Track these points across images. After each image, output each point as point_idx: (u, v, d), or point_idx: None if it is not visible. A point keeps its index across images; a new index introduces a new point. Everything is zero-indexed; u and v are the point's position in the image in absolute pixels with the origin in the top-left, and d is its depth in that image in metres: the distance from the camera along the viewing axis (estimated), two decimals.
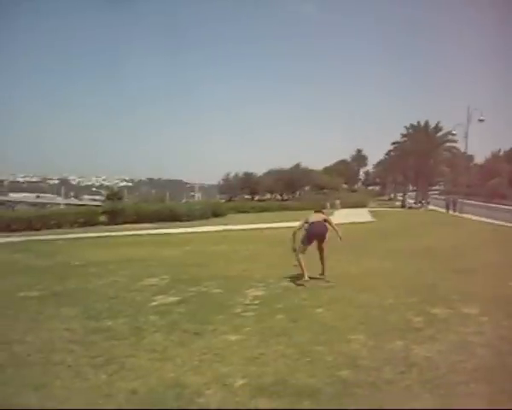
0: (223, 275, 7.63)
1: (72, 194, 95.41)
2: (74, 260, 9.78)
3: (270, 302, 5.71)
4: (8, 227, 19.08)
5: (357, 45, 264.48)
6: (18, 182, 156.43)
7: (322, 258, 7.23)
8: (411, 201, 48.98)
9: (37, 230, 19.24)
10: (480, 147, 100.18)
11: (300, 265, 6.95)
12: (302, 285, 6.66)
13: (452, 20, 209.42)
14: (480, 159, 72.76)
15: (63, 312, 5.38)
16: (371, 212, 32.50)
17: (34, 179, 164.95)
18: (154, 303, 5.80)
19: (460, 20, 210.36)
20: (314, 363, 3.67)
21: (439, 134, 51.75)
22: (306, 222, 7.20)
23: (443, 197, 49.06)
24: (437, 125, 52.18)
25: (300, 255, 7.02)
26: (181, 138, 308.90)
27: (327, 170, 68.71)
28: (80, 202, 62.59)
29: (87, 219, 22.29)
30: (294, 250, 7.16)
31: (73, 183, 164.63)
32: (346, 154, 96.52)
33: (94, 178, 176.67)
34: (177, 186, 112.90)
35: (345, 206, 38.68)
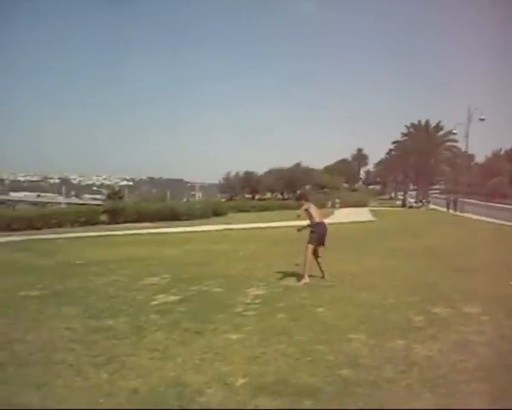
0: (223, 274, 7.63)
1: (72, 193, 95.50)
2: (75, 259, 9.78)
3: (271, 301, 5.71)
4: (8, 226, 19.09)
5: (357, 45, 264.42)
6: (19, 181, 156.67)
7: (319, 262, 7.09)
8: (412, 200, 48.97)
9: (38, 229, 19.24)
10: (480, 146, 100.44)
11: (307, 264, 6.86)
12: (303, 285, 6.66)
13: (452, 20, 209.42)
14: (480, 158, 72.85)
15: (64, 311, 5.38)
16: (372, 211, 32.51)
17: (35, 178, 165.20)
18: (155, 302, 5.80)
19: (460, 20, 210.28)
20: (315, 362, 3.68)
21: (440, 133, 51.75)
22: (310, 214, 7.07)
23: (443, 196, 49.07)
24: (438, 124, 52.18)
25: (310, 255, 6.89)
26: (181, 137, 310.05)
27: (327, 169, 68.67)
28: (81, 201, 62.73)
29: (88, 218, 22.30)
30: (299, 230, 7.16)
31: (74, 182, 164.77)
32: (347, 153, 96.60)
33: (94, 178, 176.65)
34: (178, 185, 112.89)
35: (345, 205, 38.67)
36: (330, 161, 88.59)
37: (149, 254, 10.58)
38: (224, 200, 48.28)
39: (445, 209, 35.81)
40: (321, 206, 11.45)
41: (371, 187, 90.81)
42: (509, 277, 7.33)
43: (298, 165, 56.71)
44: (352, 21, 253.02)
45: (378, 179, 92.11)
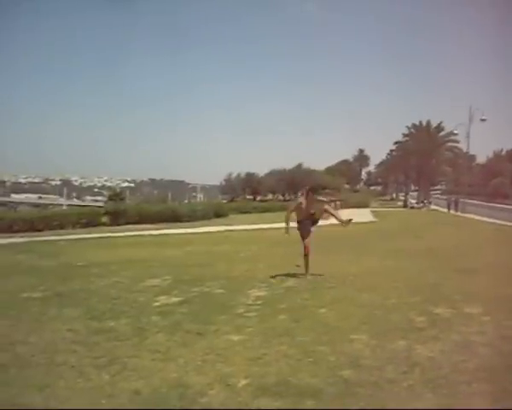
0: (225, 275, 7.64)
1: (74, 195, 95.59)
2: (77, 260, 9.81)
3: (273, 303, 5.71)
4: (10, 228, 19.18)
5: (358, 45, 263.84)
6: (20, 183, 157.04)
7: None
8: (413, 201, 48.91)
9: (40, 230, 19.30)
10: (481, 147, 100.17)
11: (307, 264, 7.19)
12: (304, 284, 6.68)
13: (452, 20, 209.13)
14: (481, 159, 72.80)
15: (66, 312, 5.39)
16: (373, 212, 32.51)
17: (36, 180, 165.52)
18: (157, 304, 5.80)
19: (460, 20, 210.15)
20: (317, 363, 3.67)
21: (441, 134, 51.78)
22: (299, 211, 7.33)
23: (445, 197, 49.08)
24: (439, 124, 52.21)
25: (309, 247, 7.18)
26: (182, 139, 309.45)
27: (329, 170, 68.57)
28: (82, 203, 62.71)
29: (89, 219, 22.39)
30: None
31: (75, 184, 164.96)
32: (348, 154, 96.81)
33: (96, 179, 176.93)
34: (179, 187, 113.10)
35: (347, 206, 38.61)
36: (331, 161, 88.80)
37: (151, 255, 10.59)
38: (225, 201, 48.33)
39: (446, 210, 35.78)
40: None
41: (372, 188, 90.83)
42: (511, 277, 7.32)
43: (299, 166, 56.69)
44: (353, 22, 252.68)
45: (379, 180, 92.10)
